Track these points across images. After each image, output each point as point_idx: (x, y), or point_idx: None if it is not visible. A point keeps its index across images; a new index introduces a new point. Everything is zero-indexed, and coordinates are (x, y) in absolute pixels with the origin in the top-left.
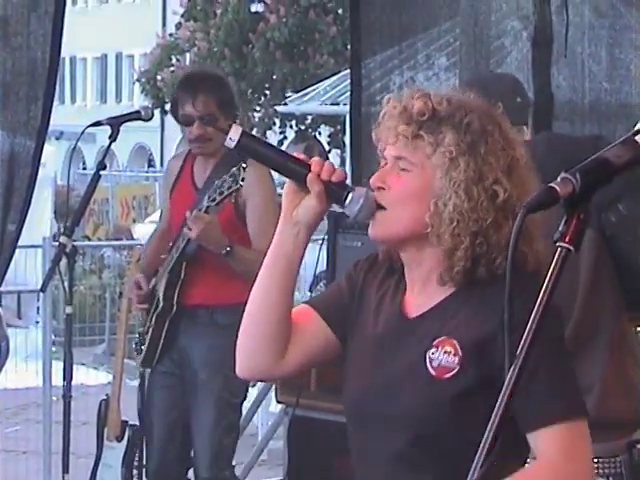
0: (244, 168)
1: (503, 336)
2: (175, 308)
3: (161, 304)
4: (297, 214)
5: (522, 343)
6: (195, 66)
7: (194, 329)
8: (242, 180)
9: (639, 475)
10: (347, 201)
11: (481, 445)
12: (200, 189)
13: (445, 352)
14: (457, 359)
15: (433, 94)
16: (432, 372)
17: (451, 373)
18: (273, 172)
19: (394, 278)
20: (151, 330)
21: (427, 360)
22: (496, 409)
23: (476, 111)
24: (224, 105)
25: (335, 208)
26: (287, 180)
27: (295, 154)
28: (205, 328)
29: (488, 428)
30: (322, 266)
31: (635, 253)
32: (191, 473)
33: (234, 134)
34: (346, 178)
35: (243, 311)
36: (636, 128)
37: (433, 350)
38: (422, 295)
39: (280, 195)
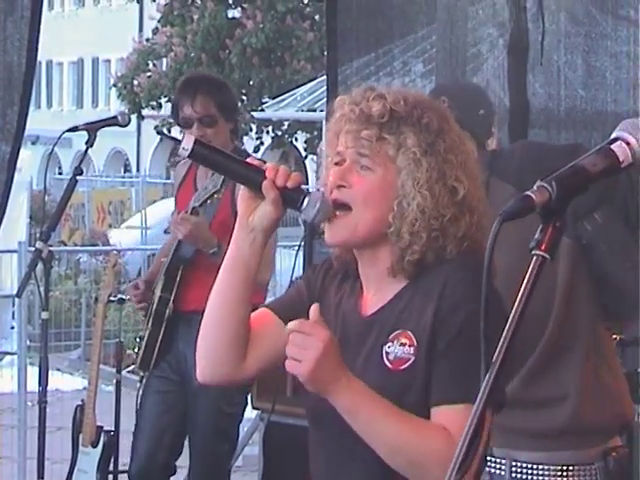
0: None
1: (438, 317)
2: (170, 312)
3: (155, 307)
4: (253, 220)
5: (498, 352)
6: (195, 70)
7: (191, 335)
8: (223, 182)
9: None
10: (303, 205)
11: (456, 453)
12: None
13: (401, 344)
14: (412, 349)
15: (386, 93)
16: (389, 365)
17: (407, 364)
18: None
19: (350, 281)
20: (148, 333)
21: (384, 354)
22: (478, 401)
23: (431, 109)
24: (224, 107)
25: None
26: (241, 187)
27: (249, 159)
28: None
29: (468, 424)
30: (298, 271)
31: (610, 262)
32: None
33: (187, 143)
34: (302, 182)
35: None
36: (612, 136)
37: (389, 344)
38: (378, 293)
39: None
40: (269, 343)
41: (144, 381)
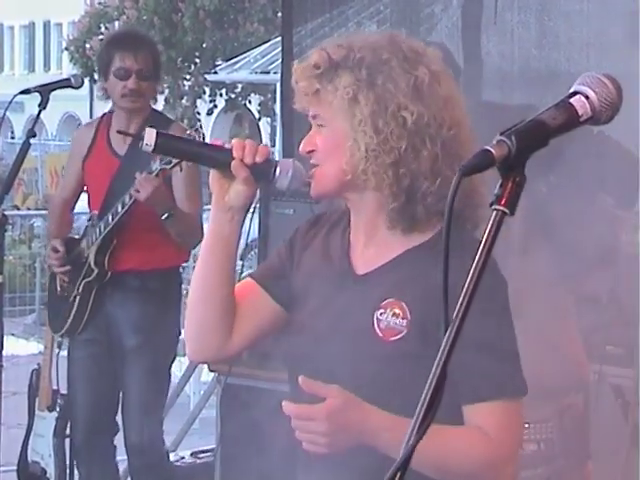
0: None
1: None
2: (107, 275)
3: (95, 271)
4: (229, 199)
5: (457, 308)
6: (125, 27)
7: (123, 295)
8: None
9: (570, 440)
10: (276, 176)
11: (416, 413)
12: (124, 155)
13: (394, 314)
14: (405, 322)
15: (329, 44)
16: (379, 333)
17: (398, 336)
18: None
19: (340, 228)
20: (78, 298)
21: (375, 321)
22: (431, 375)
23: (369, 45)
24: (157, 66)
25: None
26: (211, 170)
27: (212, 140)
28: (135, 294)
29: (423, 395)
30: (254, 234)
31: (564, 221)
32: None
33: (149, 138)
34: (270, 154)
35: (174, 275)
36: (571, 90)
37: (381, 311)
38: (372, 246)
39: None
40: (256, 315)
41: (69, 345)
